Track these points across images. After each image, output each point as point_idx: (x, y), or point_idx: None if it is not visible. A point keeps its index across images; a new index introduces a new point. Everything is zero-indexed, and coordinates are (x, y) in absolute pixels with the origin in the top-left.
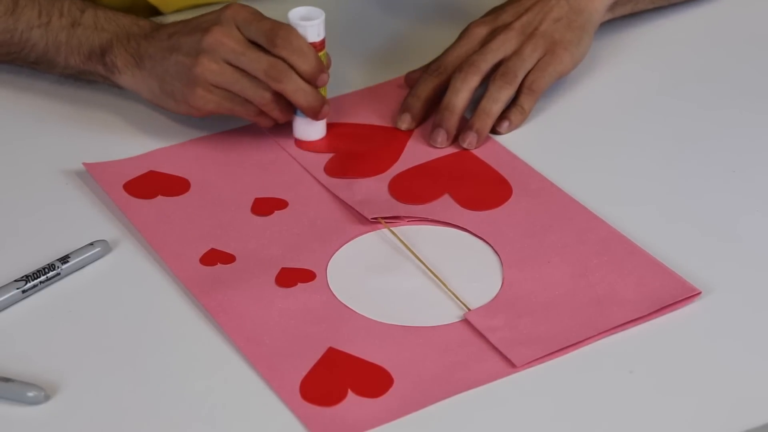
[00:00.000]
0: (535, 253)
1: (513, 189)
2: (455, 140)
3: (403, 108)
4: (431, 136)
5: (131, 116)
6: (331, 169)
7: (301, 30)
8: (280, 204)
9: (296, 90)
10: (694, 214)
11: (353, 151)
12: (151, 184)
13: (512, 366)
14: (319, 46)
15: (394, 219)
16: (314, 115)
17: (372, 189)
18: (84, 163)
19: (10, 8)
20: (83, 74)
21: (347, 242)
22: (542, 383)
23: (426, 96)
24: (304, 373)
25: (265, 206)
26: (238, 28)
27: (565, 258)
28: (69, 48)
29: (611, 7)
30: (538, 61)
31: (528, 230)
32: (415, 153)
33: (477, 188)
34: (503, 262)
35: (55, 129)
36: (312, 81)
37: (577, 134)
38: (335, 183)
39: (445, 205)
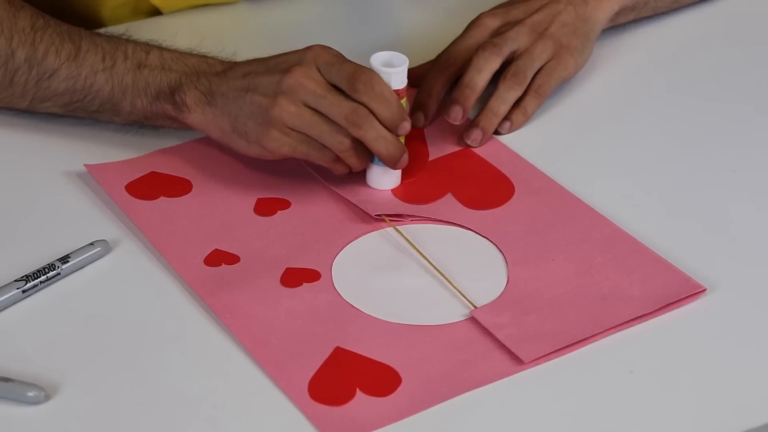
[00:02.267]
0: (540, 251)
1: (516, 187)
2: (457, 134)
3: (416, 106)
4: (448, 112)
5: None
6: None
7: (384, 77)
8: (283, 204)
9: (377, 138)
10: (697, 213)
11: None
12: (153, 185)
13: (519, 364)
14: (402, 93)
15: (398, 218)
16: (393, 164)
17: (372, 189)
18: (86, 165)
19: (72, 54)
20: (149, 118)
21: (351, 241)
22: (549, 381)
23: (437, 91)
24: (312, 373)
25: (267, 206)
26: (319, 70)
27: (569, 256)
28: (136, 90)
29: (613, 17)
30: (545, 63)
31: (532, 229)
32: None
33: (479, 187)
34: (508, 260)
35: (56, 130)
36: (393, 129)
37: (579, 133)
38: (339, 182)
39: (448, 204)
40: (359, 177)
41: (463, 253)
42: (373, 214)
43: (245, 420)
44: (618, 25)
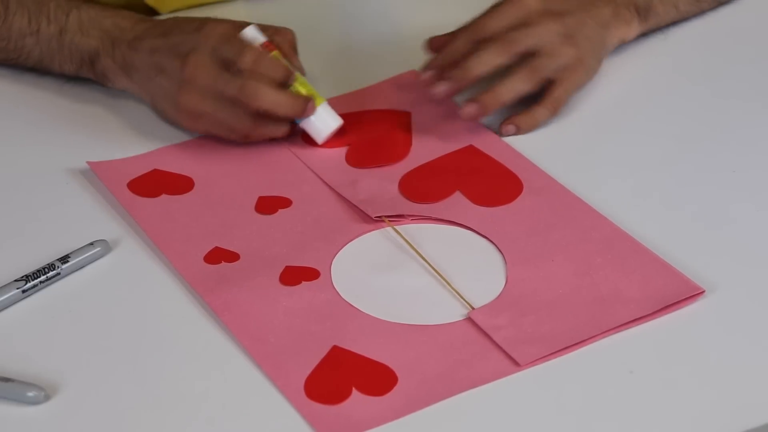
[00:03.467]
0: (539, 251)
1: (524, 184)
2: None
3: (431, 64)
4: (433, 84)
5: (134, 114)
6: (354, 160)
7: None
8: (284, 202)
9: (275, 102)
10: (697, 212)
11: (367, 140)
12: (155, 183)
13: (516, 365)
14: (268, 46)
15: (398, 217)
16: (300, 116)
17: (378, 187)
18: (88, 162)
19: (1, 16)
20: (80, 78)
21: (351, 241)
22: (545, 382)
23: (460, 55)
24: (308, 372)
25: (269, 205)
26: (214, 52)
27: (568, 256)
28: (62, 56)
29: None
30: (562, 70)
31: (532, 228)
32: (424, 150)
33: (488, 185)
34: (507, 260)
35: (58, 127)
36: (285, 83)
37: (580, 133)
38: (340, 181)
39: (457, 202)
40: (361, 175)
41: (463, 253)
42: (373, 216)
43: (244, 419)
44: None
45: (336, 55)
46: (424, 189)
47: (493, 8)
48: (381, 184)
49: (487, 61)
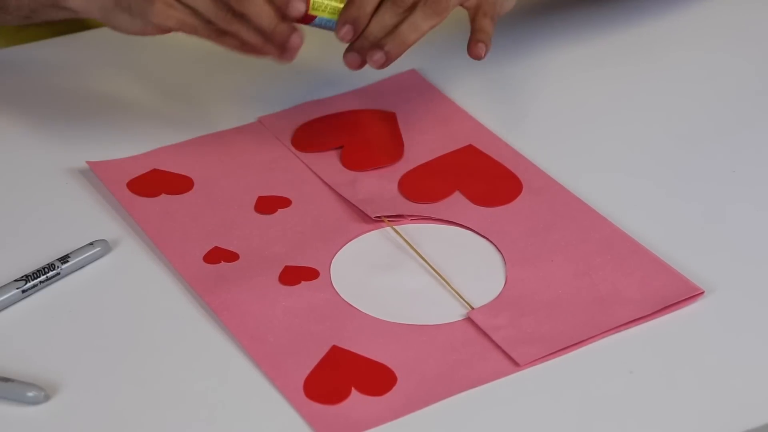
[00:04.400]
0: (539, 251)
1: (523, 184)
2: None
3: (345, 19)
4: (348, 57)
5: (135, 114)
6: (350, 163)
7: None
8: (284, 202)
9: (259, 13)
10: (696, 212)
11: (359, 142)
12: (154, 183)
13: (515, 365)
14: None
15: (398, 217)
16: (282, 42)
17: (377, 187)
18: (87, 162)
19: None
20: (36, 9)
21: (351, 240)
22: (545, 382)
23: (371, 10)
24: (307, 372)
25: (268, 204)
26: None
27: (568, 257)
28: None
29: None
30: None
31: (531, 229)
32: (419, 150)
33: (488, 185)
34: (506, 260)
35: (58, 127)
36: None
37: (580, 133)
38: (339, 181)
39: (457, 202)
40: (361, 176)
41: (462, 253)
42: (372, 216)
43: (244, 419)
44: (618, 23)
45: (335, 55)
46: (424, 189)
47: None
48: (380, 184)
49: (421, 26)
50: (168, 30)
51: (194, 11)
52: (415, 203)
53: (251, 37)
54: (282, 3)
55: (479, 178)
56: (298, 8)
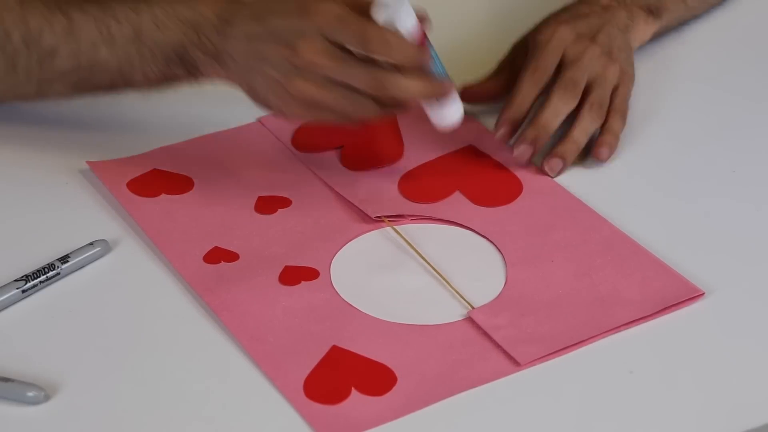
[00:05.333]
0: (539, 252)
1: (523, 184)
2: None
3: (502, 121)
4: (518, 150)
5: (135, 115)
6: (350, 163)
7: (390, 15)
8: (284, 202)
9: (406, 87)
10: (696, 213)
11: (359, 142)
12: (154, 183)
13: (515, 364)
14: (414, 31)
15: (398, 217)
16: (436, 96)
17: (377, 187)
18: (88, 162)
19: (66, 28)
20: (165, 82)
21: (351, 240)
22: (545, 382)
23: (527, 107)
24: (307, 372)
25: (268, 204)
26: (326, 37)
27: (568, 257)
28: (142, 60)
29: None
30: (614, 89)
31: (531, 229)
32: (419, 150)
33: (488, 185)
34: (507, 260)
35: (58, 128)
36: (417, 67)
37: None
38: (339, 181)
39: (456, 202)
40: (361, 176)
41: (462, 253)
42: (373, 216)
43: (244, 419)
44: None
45: None
46: (424, 189)
47: (537, 52)
48: (380, 183)
49: (560, 110)
50: (311, 123)
51: (332, 110)
52: (416, 203)
53: (399, 109)
54: (413, 61)
55: (479, 179)
56: (425, 58)
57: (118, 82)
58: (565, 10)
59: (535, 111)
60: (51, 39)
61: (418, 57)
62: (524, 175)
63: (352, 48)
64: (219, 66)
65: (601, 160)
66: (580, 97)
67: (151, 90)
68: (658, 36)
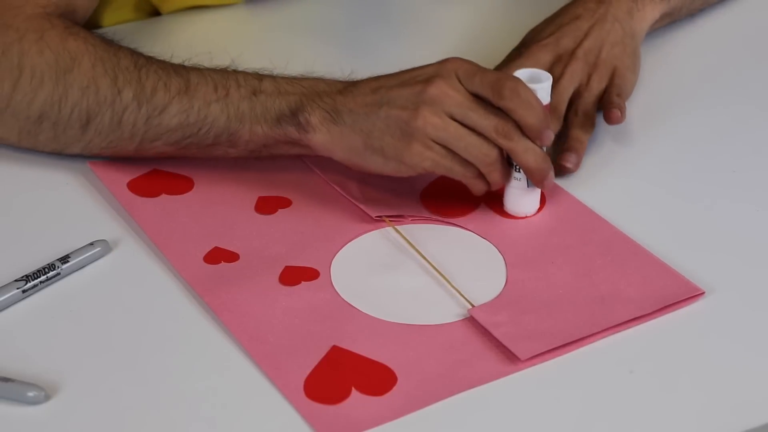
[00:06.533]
0: (539, 253)
1: (546, 194)
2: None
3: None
4: (567, 159)
5: None
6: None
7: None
8: (284, 202)
9: (526, 149)
10: (696, 213)
11: None
12: (154, 183)
13: (515, 364)
14: (546, 110)
15: (398, 217)
16: (541, 179)
17: (378, 187)
18: (88, 162)
19: (182, 88)
20: (269, 145)
21: (351, 240)
22: (545, 382)
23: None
24: (308, 372)
25: (268, 205)
26: (460, 81)
27: (568, 258)
28: (254, 116)
29: (652, 25)
30: (607, 86)
31: (532, 231)
32: None
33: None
34: (507, 261)
35: None
36: (538, 137)
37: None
38: (340, 181)
39: (482, 215)
40: (361, 176)
41: (462, 253)
42: (373, 216)
43: (244, 419)
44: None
45: (338, 58)
46: (448, 203)
47: (557, 86)
48: (381, 183)
49: (589, 130)
50: (422, 171)
51: (452, 152)
52: (442, 218)
53: (503, 178)
54: (537, 132)
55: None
56: (551, 136)
57: (222, 140)
58: (554, 18)
59: None
60: (164, 97)
61: (546, 122)
62: None
63: (484, 95)
64: (333, 122)
65: (617, 122)
66: (562, 116)
67: (252, 153)
68: (670, 21)
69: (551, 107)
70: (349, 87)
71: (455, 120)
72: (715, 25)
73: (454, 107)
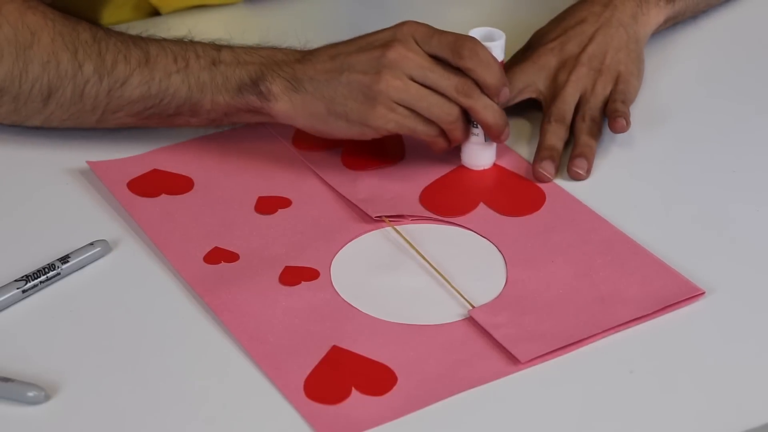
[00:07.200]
0: (539, 253)
1: (546, 193)
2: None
3: (546, 164)
4: (577, 165)
5: None
6: (351, 163)
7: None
8: (284, 202)
9: (485, 107)
10: (696, 213)
11: (360, 141)
12: (154, 183)
13: (515, 364)
14: (501, 66)
15: (398, 217)
16: (498, 134)
17: (378, 187)
18: (88, 162)
19: (142, 60)
20: (230, 114)
21: (351, 240)
22: (545, 382)
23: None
24: (308, 372)
25: (268, 205)
26: (418, 44)
27: (569, 258)
28: (215, 86)
29: (656, 28)
30: (611, 92)
31: (532, 230)
32: (422, 148)
33: (511, 196)
34: (507, 261)
35: (58, 127)
36: (496, 95)
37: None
38: (340, 181)
39: (482, 214)
40: (361, 175)
41: (463, 253)
42: (373, 216)
43: (244, 419)
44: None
45: None
46: (447, 202)
47: (562, 92)
48: (381, 183)
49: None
50: (386, 132)
51: (415, 113)
52: (442, 217)
53: (464, 135)
54: (495, 90)
55: (502, 189)
56: (506, 94)
57: (184, 110)
58: (559, 21)
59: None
60: (124, 69)
61: (503, 81)
62: (526, 176)
63: (442, 56)
64: (294, 90)
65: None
66: (569, 123)
67: (213, 122)
68: (673, 24)
69: (558, 117)
70: (307, 55)
71: (415, 82)
72: (715, 25)
73: (414, 69)
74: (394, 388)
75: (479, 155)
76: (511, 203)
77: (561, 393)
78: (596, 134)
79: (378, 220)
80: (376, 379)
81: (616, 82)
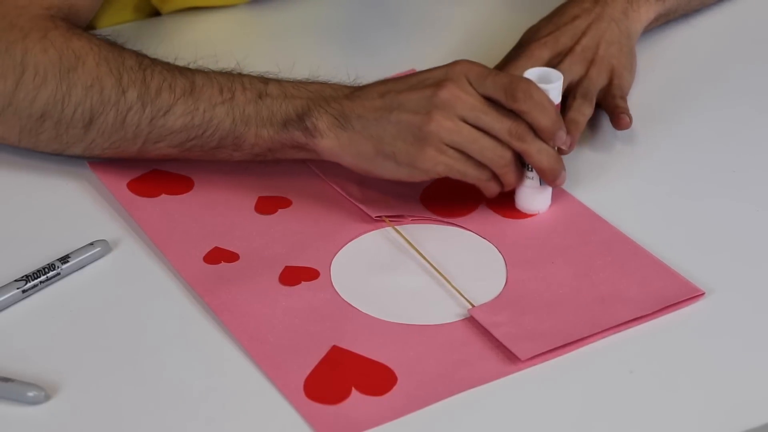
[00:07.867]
0: (539, 253)
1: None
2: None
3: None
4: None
5: None
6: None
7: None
8: (284, 202)
9: (540, 150)
10: (695, 215)
11: None
12: (154, 183)
13: (515, 363)
14: (557, 109)
15: (398, 217)
16: (554, 178)
17: (378, 187)
18: (88, 162)
19: (187, 89)
20: (273, 149)
21: (351, 240)
22: (545, 382)
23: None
24: (308, 372)
25: (268, 205)
26: (471, 84)
27: (568, 259)
28: (259, 119)
29: (647, 26)
30: (609, 87)
31: (532, 231)
32: None
33: (511, 197)
34: (507, 261)
35: None
36: (551, 138)
37: (580, 135)
38: (340, 181)
39: (483, 215)
40: (361, 176)
41: (463, 253)
42: (373, 216)
43: (244, 419)
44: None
45: (342, 58)
46: (448, 204)
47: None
48: (381, 183)
49: (585, 114)
50: (435, 175)
51: (466, 156)
52: (444, 218)
53: (517, 179)
54: (550, 134)
55: (502, 191)
56: (563, 137)
57: (227, 142)
58: (552, 17)
59: None
60: (168, 98)
61: (559, 123)
62: None
63: (496, 98)
64: (341, 127)
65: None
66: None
67: (256, 157)
68: (665, 21)
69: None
70: (356, 92)
71: (467, 123)
72: (716, 25)
73: (466, 110)
74: (394, 388)
75: (534, 200)
76: (511, 205)
77: (561, 393)
78: (585, 111)
79: (378, 220)
80: (376, 379)
81: (611, 76)
